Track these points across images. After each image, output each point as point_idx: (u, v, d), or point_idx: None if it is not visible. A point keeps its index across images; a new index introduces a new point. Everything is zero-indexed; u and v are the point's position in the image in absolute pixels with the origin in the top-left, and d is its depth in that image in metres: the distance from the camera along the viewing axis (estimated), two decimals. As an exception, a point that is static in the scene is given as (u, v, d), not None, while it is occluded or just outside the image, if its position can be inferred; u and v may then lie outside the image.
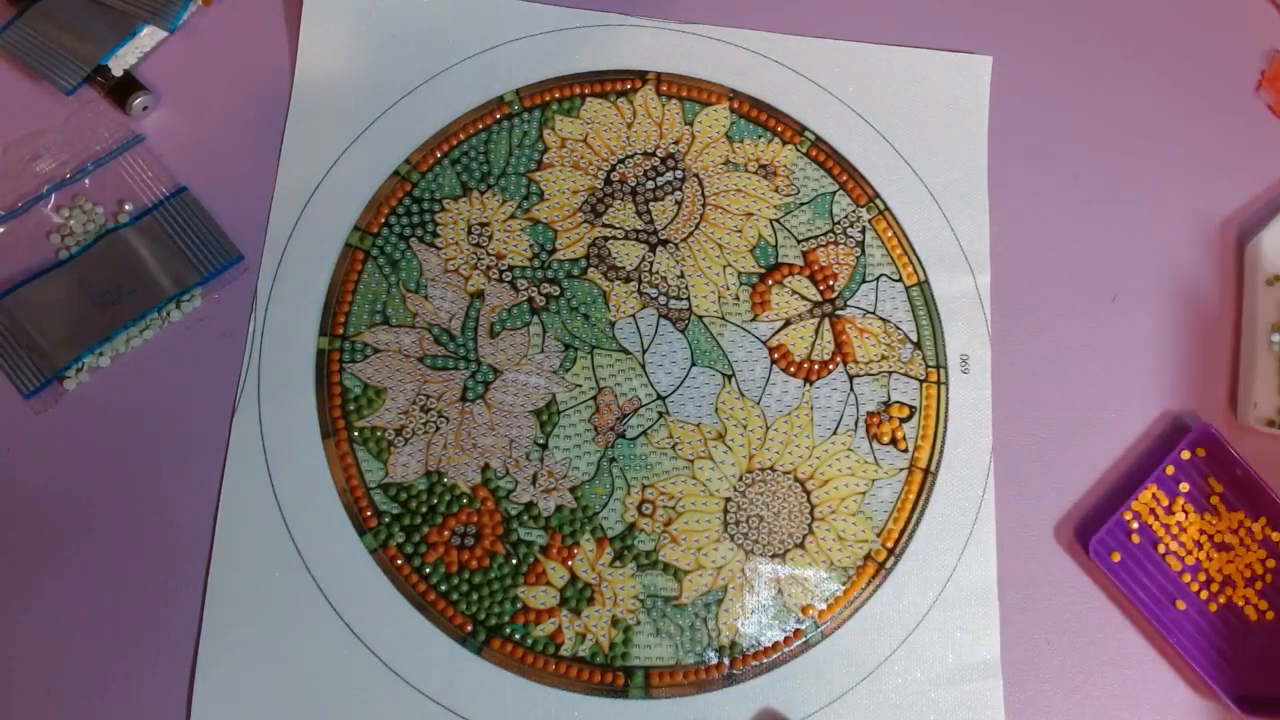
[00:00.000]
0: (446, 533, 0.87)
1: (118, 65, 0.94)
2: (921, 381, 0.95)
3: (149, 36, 0.96)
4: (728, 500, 0.90)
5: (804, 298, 0.96)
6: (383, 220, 0.93)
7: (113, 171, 0.93)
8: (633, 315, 0.94)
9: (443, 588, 0.86)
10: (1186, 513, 0.94)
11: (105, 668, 0.83)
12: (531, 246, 0.94)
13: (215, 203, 0.93)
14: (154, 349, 0.90)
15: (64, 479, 0.86)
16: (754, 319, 0.95)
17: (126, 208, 0.92)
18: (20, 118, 0.93)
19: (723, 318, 0.94)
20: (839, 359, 0.95)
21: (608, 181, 0.97)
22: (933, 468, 0.93)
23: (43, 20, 0.94)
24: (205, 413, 0.88)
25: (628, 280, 0.94)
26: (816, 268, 0.96)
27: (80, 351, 0.87)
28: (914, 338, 0.96)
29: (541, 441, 0.90)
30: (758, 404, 0.93)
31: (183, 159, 0.94)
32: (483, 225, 0.94)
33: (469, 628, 0.85)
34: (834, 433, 0.93)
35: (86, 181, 0.92)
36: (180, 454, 0.87)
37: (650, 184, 0.97)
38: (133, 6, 0.94)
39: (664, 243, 0.96)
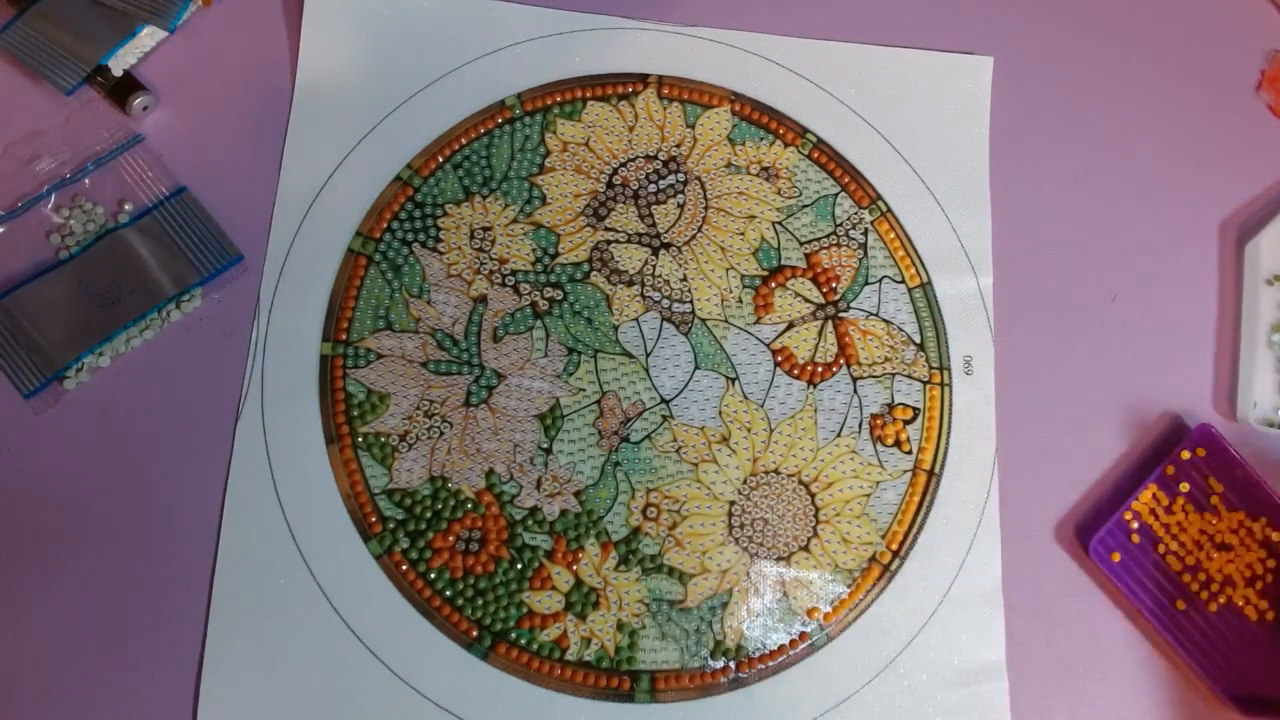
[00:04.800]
0: (451, 538, 0.87)
1: (118, 65, 0.94)
2: (925, 383, 0.95)
3: (149, 36, 0.95)
4: (732, 503, 0.90)
5: (807, 300, 0.96)
6: (385, 225, 0.93)
7: (113, 171, 0.92)
8: (636, 319, 0.94)
9: (448, 593, 0.86)
10: (1186, 513, 0.94)
11: (107, 674, 0.83)
12: (534, 251, 0.94)
13: (215, 203, 0.93)
14: (154, 349, 0.90)
15: (64, 479, 0.86)
16: (757, 322, 0.95)
17: (126, 208, 0.92)
18: (20, 118, 0.93)
19: (726, 321, 0.94)
20: (842, 361, 0.95)
21: (610, 185, 0.97)
22: (937, 469, 0.93)
23: (43, 20, 0.93)
24: (205, 413, 0.88)
25: (630, 284, 0.94)
26: (819, 270, 0.96)
27: (80, 351, 0.87)
28: (917, 339, 0.96)
29: (545, 446, 0.90)
30: (761, 407, 0.93)
31: (183, 159, 0.94)
32: (485, 230, 0.94)
33: (474, 633, 0.86)
34: (838, 435, 0.93)
35: (86, 181, 0.92)
36: (181, 455, 0.87)
37: (652, 187, 0.97)
38: (133, 6, 0.94)
39: (666, 246, 0.96)
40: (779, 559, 0.90)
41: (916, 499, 0.92)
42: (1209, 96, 1.07)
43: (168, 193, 0.92)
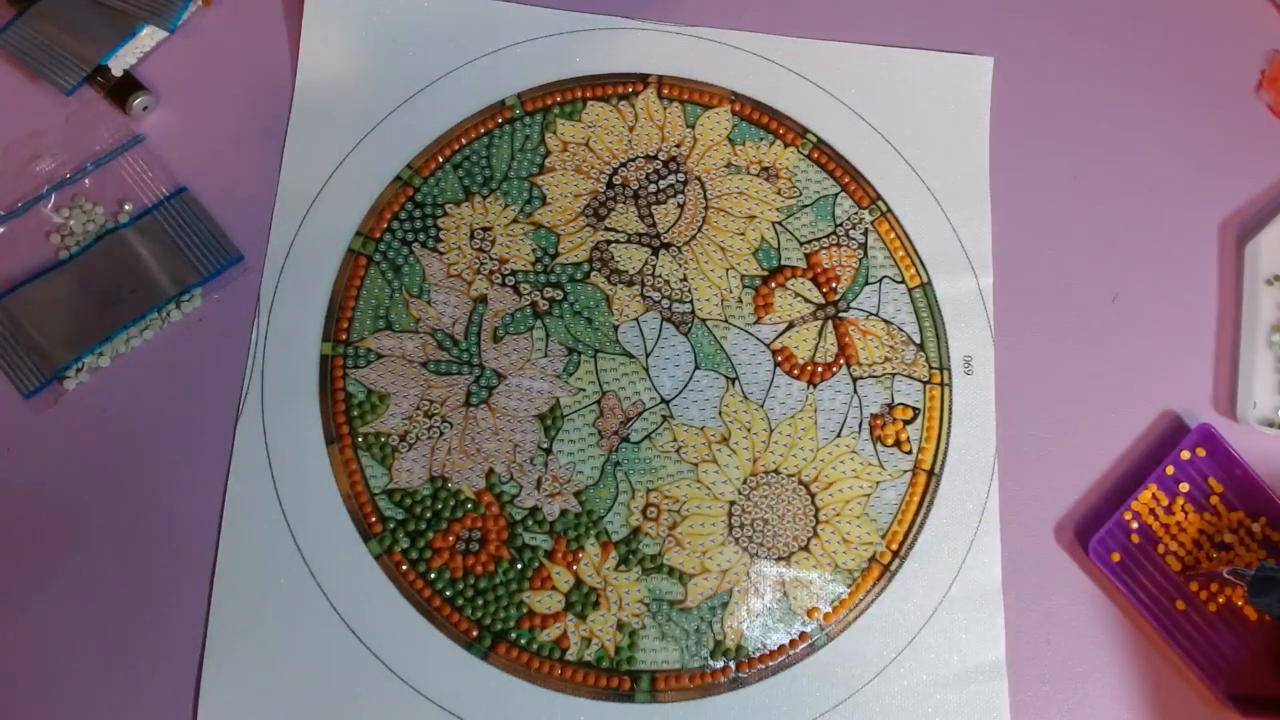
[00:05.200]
0: (451, 538, 0.87)
1: (118, 65, 0.94)
2: (925, 383, 0.95)
3: (149, 36, 0.95)
4: (732, 503, 0.90)
5: (807, 300, 0.96)
6: (385, 225, 0.93)
7: (113, 171, 0.92)
8: (636, 319, 0.94)
9: (448, 593, 0.86)
10: (1186, 513, 0.94)
11: (107, 674, 0.83)
12: (534, 251, 0.94)
13: (215, 203, 0.93)
14: (154, 349, 0.90)
15: (64, 479, 0.86)
16: (757, 322, 0.95)
17: (126, 208, 0.92)
18: (20, 118, 0.93)
19: (726, 321, 0.94)
20: (842, 361, 0.95)
21: (610, 185, 0.97)
22: (937, 469, 0.93)
23: (43, 20, 0.93)
24: (206, 413, 0.88)
25: (630, 284, 0.94)
26: (819, 270, 0.97)
27: (80, 351, 0.87)
28: (917, 339, 0.96)
29: (546, 446, 0.90)
30: (761, 407, 0.93)
31: (183, 159, 0.94)
32: (485, 230, 0.94)
33: (474, 633, 0.86)
34: (838, 435, 0.93)
35: (86, 181, 0.92)
36: (181, 455, 0.87)
37: (652, 187, 0.97)
38: (133, 6, 0.94)
39: (666, 246, 0.96)
40: (779, 559, 0.90)
41: (916, 499, 0.92)
42: (1209, 96, 1.07)
43: (168, 193, 0.92)
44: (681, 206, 0.97)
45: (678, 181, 0.98)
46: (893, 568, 0.91)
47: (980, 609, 0.90)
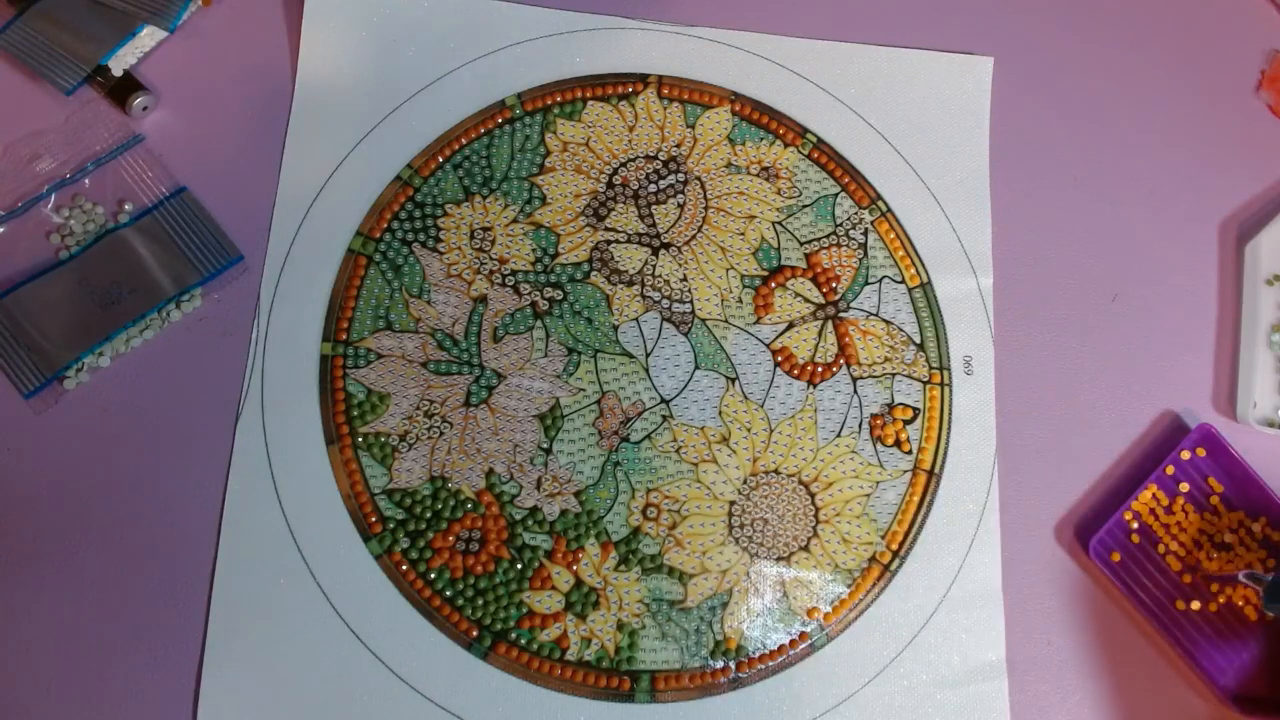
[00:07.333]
0: (451, 538, 0.87)
1: (118, 65, 0.94)
2: (925, 383, 0.95)
3: (149, 36, 0.95)
4: (732, 504, 0.90)
5: (807, 300, 0.96)
6: (385, 225, 0.93)
7: (113, 171, 0.92)
8: (636, 319, 0.94)
9: (448, 593, 0.86)
10: (1186, 513, 0.94)
11: (107, 674, 0.83)
12: (534, 251, 0.94)
13: (215, 203, 0.93)
14: (154, 349, 0.90)
15: (64, 479, 0.86)
16: (757, 322, 0.95)
17: (126, 208, 0.92)
18: (20, 118, 0.93)
19: (726, 321, 0.94)
20: (842, 361, 0.95)
21: (610, 185, 0.97)
22: (937, 469, 0.93)
23: (43, 20, 0.93)
24: (206, 412, 0.88)
25: (630, 284, 0.94)
26: (819, 270, 0.96)
27: (80, 351, 0.87)
28: (917, 339, 0.96)
29: (545, 446, 0.90)
30: (761, 407, 0.93)
31: (183, 159, 0.94)
32: (485, 230, 0.94)
33: (474, 633, 0.85)
34: (838, 435, 0.93)
35: (86, 181, 0.92)
36: (181, 455, 0.87)
37: (652, 187, 0.97)
38: (133, 6, 0.94)
39: (666, 246, 0.96)
40: (779, 559, 0.90)
41: (916, 499, 0.92)
42: (1209, 96, 1.07)
43: (168, 193, 0.92)
44: (681, 206, 0.97)
45: (678, 181, 0.97)
46: (893, 568, 0.91)
47: (980, 609, 0.90)
